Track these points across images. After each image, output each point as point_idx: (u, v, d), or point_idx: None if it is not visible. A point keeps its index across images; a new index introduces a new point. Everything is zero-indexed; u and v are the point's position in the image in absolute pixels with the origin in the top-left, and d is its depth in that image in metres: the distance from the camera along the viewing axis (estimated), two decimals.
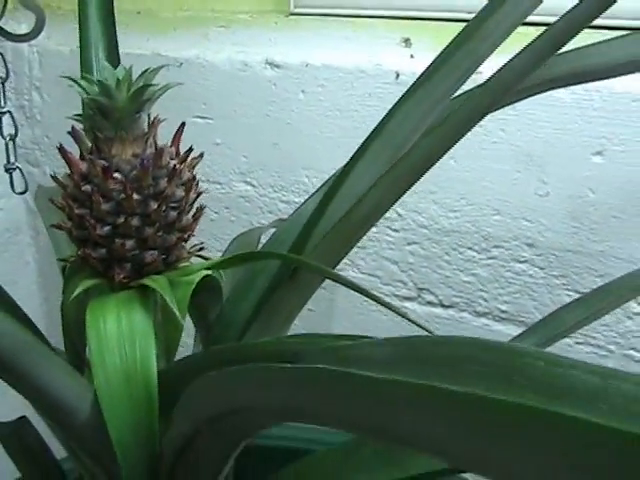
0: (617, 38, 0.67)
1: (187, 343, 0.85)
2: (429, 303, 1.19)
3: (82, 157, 0.65)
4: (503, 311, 1.13)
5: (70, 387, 0.62)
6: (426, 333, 0.57)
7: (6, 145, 1.24)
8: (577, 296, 1.05)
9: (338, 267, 1.18)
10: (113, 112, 0.62)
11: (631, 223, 1.02)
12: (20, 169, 1.24)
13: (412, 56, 1.11)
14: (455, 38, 0.69)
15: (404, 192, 0.62)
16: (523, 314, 1.12)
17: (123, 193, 0.62)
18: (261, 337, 0.68)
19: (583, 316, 0.83)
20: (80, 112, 0.69)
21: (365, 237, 1.18)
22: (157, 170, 0.63)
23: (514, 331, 1.12)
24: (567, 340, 1.08)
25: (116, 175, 0.62)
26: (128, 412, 0.59)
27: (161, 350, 0.67)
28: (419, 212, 1.15)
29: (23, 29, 1.30)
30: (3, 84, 1.25)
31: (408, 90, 0.71)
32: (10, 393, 0.63)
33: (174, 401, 0.56)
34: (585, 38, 0.63)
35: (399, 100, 0.72)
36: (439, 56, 0.70)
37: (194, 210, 0.68)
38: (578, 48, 0.68)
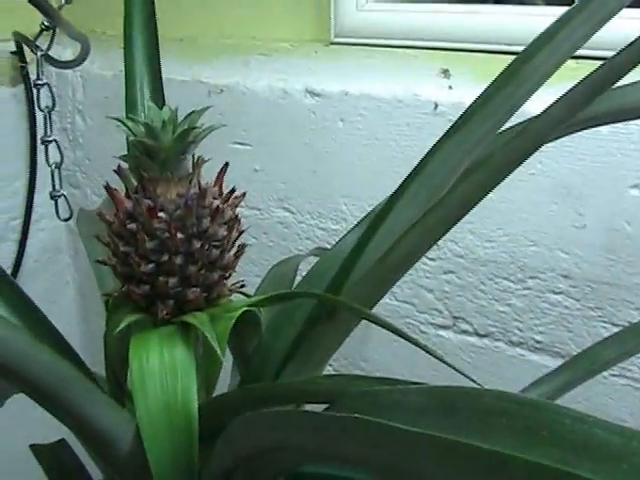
0: None
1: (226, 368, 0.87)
2: (464, 332, 1.19)
3: (128, 195, 0.67)
4: (538, 341, 1.14)
5: (111, 419, 0.63)
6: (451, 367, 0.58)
7: (52, 173, 1.27)
8: (613, 328, 1.06)
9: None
10: (159, 153, 0.64)
11: None
12: (65, 196, 1.26)
13: (450, 87, 1.12)
14: (497, 78, 0.69)
15: (440, 237, 0.63)
16: (558, 345, 1.12)
17: (167, 232, 0.63)
18: (298, 375, 0.69)
19: (619, 352, 0.83)
20: (122, 138, 0.71)
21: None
22: (201, 210, 0.65)
23: (549, 362, 1.12)
24: (602, 372, 1.08)
25: (161, 214, 0.64)
26: (168, 443, 0.60)
27: (201, 383, 0.69)
28: (456, 241, 1.15)
29: (68, 55, 1.33)
30: (50, 113, 1.27)
31: (449, 129, 0.72)
32: (49, 416, 0.65)
33: (213, 434, 0.57)
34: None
35: (440, 139, 0.72)
36: (481, 96, 0.70)
37: (236, 248, 0.70)
38: (619, 87, 0.68)
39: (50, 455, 0.90)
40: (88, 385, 0.62)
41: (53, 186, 1.25)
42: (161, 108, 0.68)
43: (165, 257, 0.64)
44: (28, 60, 1.38)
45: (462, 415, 0.41)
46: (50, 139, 1.25)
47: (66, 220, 1.27)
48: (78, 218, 1.08)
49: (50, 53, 1.30)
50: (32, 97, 1.36)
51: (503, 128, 0.71)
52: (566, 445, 0.36)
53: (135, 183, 0.67)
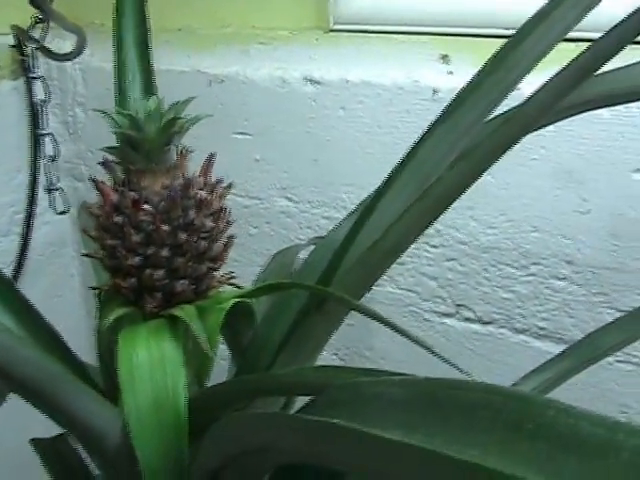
0: None
1: (228, 356, 0.86)
2: (467, 319, 1.19)
3: (114, 188, 0.66)
4: (542, 328, 1.13)
5: (100, 415, 0.63)
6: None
7: (47, 166, 1.26)
8: (617, 314, 1.05)
9: (377, 283, 1.19)
10: (143, 145, 0.63)
11: None
12: (62, 189, 1.26)
13: (450, 73, 1.10)
14: (487, 63, 0.68)
15: (429, 225, 0.62)
16: (562, 331, 1.11)
17: (153, 224, 0.63)
18: (289, 365, 0.69)
19: (622, 338, 0.82)
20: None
21: (404, 253, 1.19)
22: (186, 201, 0.64)
23: (552, 348, 1.11)
24: (608, 358, 1.07)
25: (146, 207, 0.63)
26: (157, 439, 0.60)
27: (192, 377, 0.68)
28: (457, 228, 1.14)
29: (67, 47, 1.32)
30: (44, 106, 1.27)
31: (439, 116, 0.71)
32: None
33: (205, 427, 0.56)
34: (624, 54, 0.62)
35: (431, 125, 0.71)
36: (471, 81, 0.69)
37: (225, 239, 0.69)
38: (614, 69, 0.67)
39: (50, 449, 0.90)
40: (76, 382, 0.62)
41: (49, 180, 1.25)
42: (148, 99, 0.67)
43: (151, 250, 0.63)
44: (28, 53, 1.38)
45: (445, 409, 0.41)
46: (45, 132, 1.24)
47: (62, 213, 1.27)
48: (80, 211, 1.08)
49: (50, 46, 1.29)
50: (31, 94, 1.36)
51: (498, 112, 0.70)
52: (552, 439, 0.35)
53: (122, 175, 0.66)
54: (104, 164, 0.66)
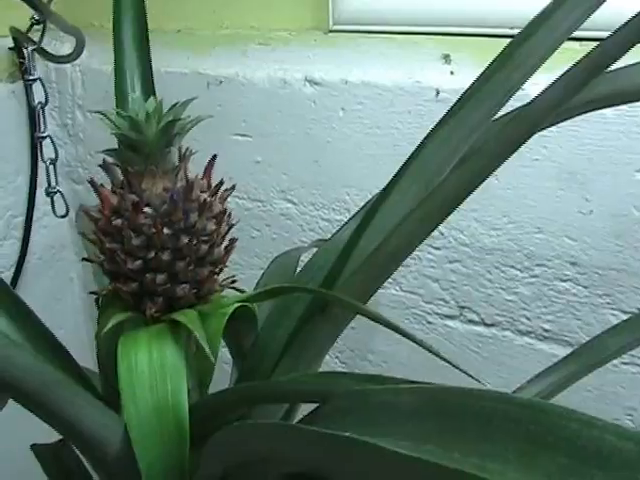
0: None
1: (230, 359, 0.85)
2: (471, 321, 1.18)
3: (114, 191, 0.65)
4: (546, 330, 1.12)
5: (99, 421, 0.62)
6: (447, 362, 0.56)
7: (47, 169, 1.25)
8: (622, 315, 1.04)
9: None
10: (143, 147, 0.62)
11: None
12: (61, 193, 1.25)
13: (452, 72, 1.10)
14: (492, 62, 0.67)
15: (435, 227, 0.61)
16: (566, 333, 1.10)
17: (153, 228, 0.62)
18: (293, 370, 0.68)
19: (628, 340, 0.81)
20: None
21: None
22: (188, 204, 0.63)
23: (557, 350, 1.10)
24: (614, 360, 1.06)
25: (146, 210, 0.62)
26: (159, 446, 0.59)
27: (194, 383, 0.67)
28: (460, 230, 1.13)
29: (66, 49, 1.31)
30: (43, 109, 1.26)
31: (443, 117, 0.70)
32: None
33: (207, 434, 0.55)
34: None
35: (436, 125, 0.70)
36: (476, 80, 0.68)
37: (226, 242, 0.68)
38: (619, 68, 0.66)
39: (51, 455, 0.89)
40: (76, 388, 0.61)
41: (48, 182, 1.24)
42: (148, 101, 0.66)
43: (152, 253, 0.62)
44: (27, 55, 1.36)
45: (457, 419, 0.39)
46: (44, 135, 1.23)
47: (63, 217, 1.26)
48: (77, 215, 1.07)
49: (48, 48, 1.28)
50: (29, 97, 1.35)
51: (502, 112, 0.69)
52: (574, 452, 0.33)
53: (121, 178, 0.65)
54: (104, 166, 0.65)
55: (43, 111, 1.26)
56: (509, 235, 1.10)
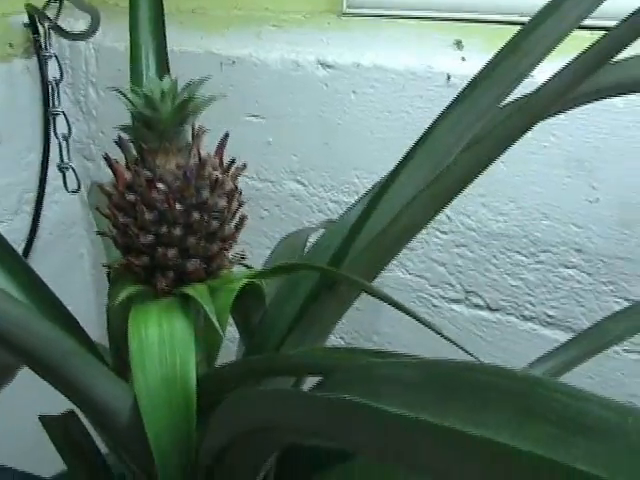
0: None
1: (236, 337, 0.87)
2: (476, 306, 1.19)
3: (128, 166, 0.66)
4: (550, 316, 1.13)
5: (111, 391, 0.63)
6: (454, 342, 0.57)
7: (59, 145, 1.26)
8: (625, 303, 1.05)
9: (386, 268, 1.19)
10: (157, 124, 0.63)
11: None
12: (73, 168, 1.26)
13: (464, 59, 1.10)
14: (502, 48, 0.68)
15: (441, 209, 0.62)
16: (570, 319, 1.11)
17: (166, 203, 0.63)
18: (299, 346, 0.69)
19: (630, 326, 0.82)
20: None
21: (414, 239, 1.19)
22: (200, 181, 0.64)
23: (561, 336, 1.11)
24: (615, 347, 1.07)
25: (159, 185, 0.63)
26: (167, 416, 0.60)
27: (202, 356, 0.68)
28: (468, 215, 1.14)
29: (80, 26, 1.32)
30: (57, 85, 1.27)
31: (453, 100, 0.71)
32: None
33: (213, 406, 0.57)
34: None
35: (444, 110, 0.71)
36: (487, 65, 0.69)
37: (237, 219, 0.69)
38: (627, 58, 0.67)
39: (59, 426, 0.91)
40: (88, 357, 0.62)
41: (61, 158, 1.25)
42: (163, 79, 0.67)
43: (164, 228, 0.64)
44: (42, 33, 1.38)
45: (455, 390, 0.41)
46: (58, 111, 1.25)
47: (74, 192, 1.27)
48: (89, 191, 1.08)
49: (63, 25, 1.29)
50: (44, 72, 1.36)
51: (510, 99, 0.70)
52: (561, 422, 0.35)
53: (136, 154, 0.67)
54: (119, 142, 0.66)
55: (58, 87, 1.27)
56: (516, 221, 1.11)
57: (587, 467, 0.30)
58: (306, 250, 0.93)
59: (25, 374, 0.79)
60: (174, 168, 0.64)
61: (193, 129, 0.67)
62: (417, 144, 0.72)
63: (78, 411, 0.84)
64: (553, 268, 1.10)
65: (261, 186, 1.32)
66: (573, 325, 1.11)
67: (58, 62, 1.30)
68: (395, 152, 0.72)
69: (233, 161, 0.68)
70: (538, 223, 1.09)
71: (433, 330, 0.58)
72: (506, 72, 0.67)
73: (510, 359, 1.17)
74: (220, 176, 0.66)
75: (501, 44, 0.68)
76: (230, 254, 0.70)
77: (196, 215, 0.64)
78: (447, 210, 1.16)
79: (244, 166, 0.70)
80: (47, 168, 1.43)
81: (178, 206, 0.63)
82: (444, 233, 1.17)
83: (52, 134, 1.33)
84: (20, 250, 1.43)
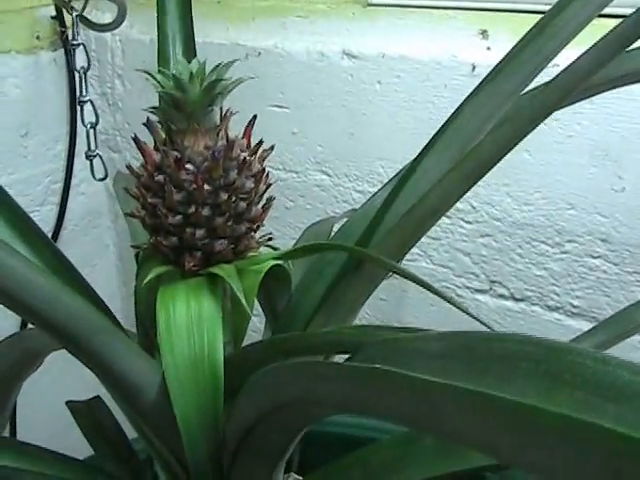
0: None
1: (259, 329, 0.87)
2: (501, 296, 1.19)
3: (156, 148, 0.67)
4: (575, 306, 1.13)
5: (140, 368, 0.64)
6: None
7: (87, 133, 1.27)
8: None
9: (411, 258, 1.19)
10: (186, 105, 0.64)
11: None
12: (100, 156, 1.27)
13: (489, 48, 1.10)
14: (527, 33, 0.68)
15: (467, 190, 0.62)
16: (595, 310, 1.11)
17: (194, 184, 0.63)
18: (325, 326, 0.69)
19: None
20: (157, 103, 0.71)
21: (438, 228, 1.19)
22: (228, 162, 0.65)
23: (585, 327, 1.11)
24: (637, 337, 1.07)
25: (188, 166, 0.64)
26: (194, 395, 0.61)
27: (229, 336, 0.69)
28: (493, 205, 1.14)
29: (107, 18, 1.33)
30: (85, 74, 1.28)
31: (478, 85, 0.71)
32: (86, 373, 0.65)
33: (239, 386, 0.57)
34: None
35: (469, 95, 0.72)
36: (510, 52, 0.70)
37: (264, 201, 0.70)
38: None
39: (86, 412, 0.92)
40: (118, 334, 0.62)
41: (88, 146, 1.26)
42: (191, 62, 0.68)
43: (192, 209, 0.64)
44: (68, 25, 1.39)
45: (483, 360, 0.41)
46: (85, 99, 1.26)
47: (101, 180, 1.28)
48: (115, 180, 1.09)
49: (89, 17, 1.30)
50: (72, 61, 1.37)
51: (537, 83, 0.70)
52: (589, 387, 0.35)
53: (164, 136, 0.67)
54: (147, 124, 0.67)
55: (85, 75, 1.28)
56: (541, 210, 1.11)
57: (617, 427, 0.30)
58: (330, 238, 0.94)
59: (53, 362, 0.80)
60: (202, 149, 0.65)
61: (221, 111, 0.67)
62: (443, 127, 0.72)
63: (105, 397, 0.85)
64: (578, 258, 1.10)
65: (286, 177, 1.32)
66: (598, 315, 1.11)
67: (86, 51, 1.31)
68: (420, 142, 0.73)
69: (260, 142, 0.69)
70: (563, 213, 1.09)
71: (459, 309, 0.58)
72: (531, 56, 0.68)
73: None
74: (248, 157, 0.66)
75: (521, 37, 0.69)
76: (257, 235, 0.71)
77: (224, 196, 0.64)
78: (472, 200, 1.16)
79: (271, 148, 0.70)
80: (73, 159, 1.44)
81: (206, 187, 0.64)
82: (469, 223, 1.17)
83: (79, 125, 1.34)
84: None
